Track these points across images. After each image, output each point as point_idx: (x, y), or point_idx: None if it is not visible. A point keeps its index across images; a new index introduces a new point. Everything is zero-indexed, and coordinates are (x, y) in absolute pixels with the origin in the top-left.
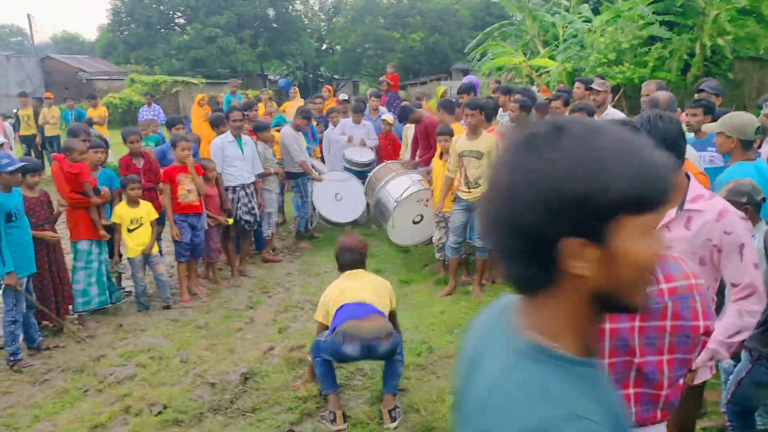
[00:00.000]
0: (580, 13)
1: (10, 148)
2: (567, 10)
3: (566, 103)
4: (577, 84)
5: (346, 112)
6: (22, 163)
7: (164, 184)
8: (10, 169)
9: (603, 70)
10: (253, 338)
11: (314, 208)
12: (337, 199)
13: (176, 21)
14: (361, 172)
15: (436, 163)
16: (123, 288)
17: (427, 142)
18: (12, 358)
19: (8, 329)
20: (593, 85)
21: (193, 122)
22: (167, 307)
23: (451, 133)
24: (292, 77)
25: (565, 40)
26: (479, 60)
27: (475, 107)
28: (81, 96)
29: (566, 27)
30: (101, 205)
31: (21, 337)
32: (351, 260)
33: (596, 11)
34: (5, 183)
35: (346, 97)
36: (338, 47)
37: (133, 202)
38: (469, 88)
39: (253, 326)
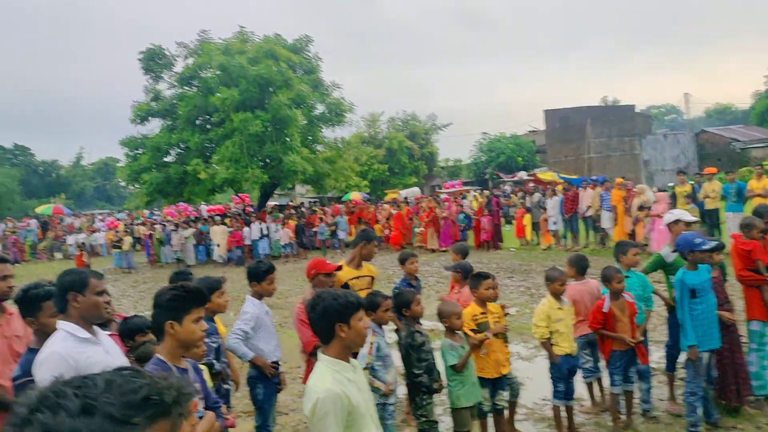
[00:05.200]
0: None
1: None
2: None
3: None
4: None
5: None
6: (717, 242)
7: None
8: (704, 248)
9: None
10: None
11: None
12: None
13: None
14: None
15: None
16: None
17: None
18: (692, 429)
19: (688, 400)
20: None
21: None
22: None
23: None
24: None
25: None
26: None
27: None
28: (733, 166)
29: None
30: None
31: (700, 410)
32: None
33: None
34: (694, 261)
35: None
36: None
37: None
38: None
39: None
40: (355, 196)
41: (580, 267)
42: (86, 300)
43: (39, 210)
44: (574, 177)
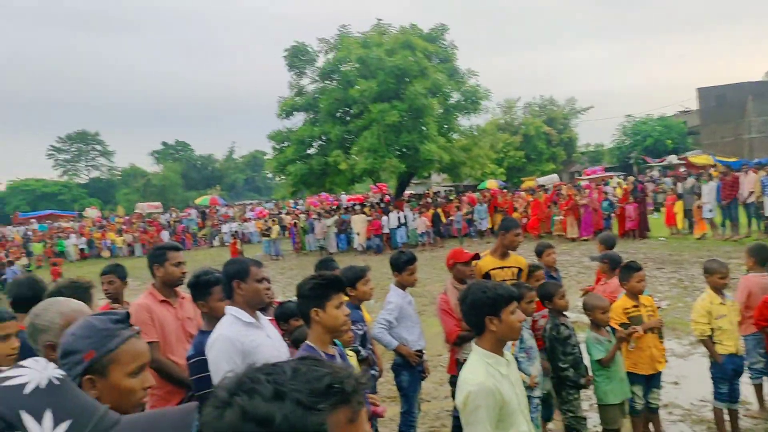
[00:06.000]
0: None
1: None
2: None
3: None
4: None
5: None
6: None
7: None
8: None
9: None
10: None
11: None
12: None
13: None
14: None
15: None
16: None
17: None
18: None
19: None
20: None
21: None
22: None
23: None
24: None
25: None
26: None
27: None
28: None
29: None
30: None
31: None
32: None
33: None
34: None
35: None
36: None
37: None
38: None
39: None
40: (491, 183)
41: (761, 257)
42: (248, 287)
43: (198, 201)
44: (733, 160)
